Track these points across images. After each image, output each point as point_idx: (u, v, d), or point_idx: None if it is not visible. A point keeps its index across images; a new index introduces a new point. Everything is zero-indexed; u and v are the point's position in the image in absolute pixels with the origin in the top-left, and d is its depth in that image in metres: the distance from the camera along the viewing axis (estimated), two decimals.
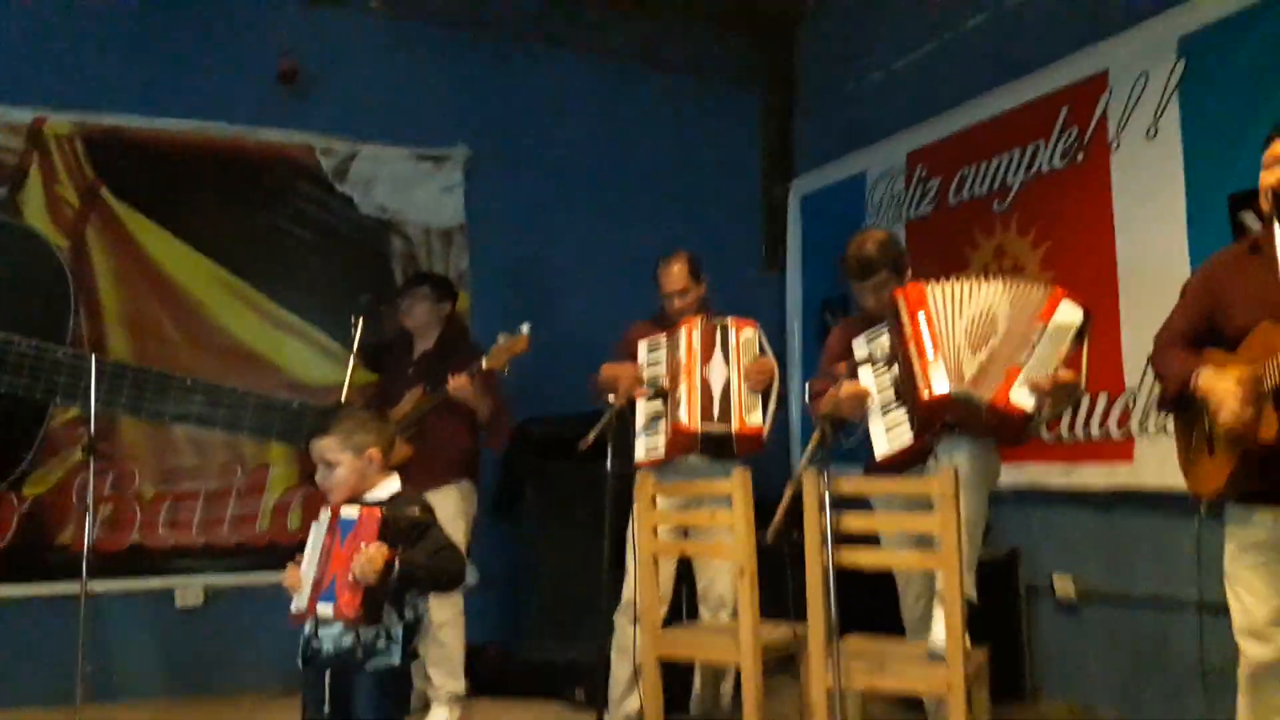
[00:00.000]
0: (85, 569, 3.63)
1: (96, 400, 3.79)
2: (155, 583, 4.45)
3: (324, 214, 4.88)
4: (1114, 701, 3.83)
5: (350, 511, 2.35)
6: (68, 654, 3.58)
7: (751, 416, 3.44)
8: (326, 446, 2.44)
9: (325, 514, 2.42)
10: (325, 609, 2.31)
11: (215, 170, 4.71)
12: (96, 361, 3.85)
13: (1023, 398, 2.79)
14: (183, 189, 4.66)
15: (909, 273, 3.28)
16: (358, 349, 3.86)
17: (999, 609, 3.94)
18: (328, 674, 2.36)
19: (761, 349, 3.58)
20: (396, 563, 2.26)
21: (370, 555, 2.22)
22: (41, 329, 4.36)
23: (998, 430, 2.96)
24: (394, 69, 5.06)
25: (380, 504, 2.42)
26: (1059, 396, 2.83)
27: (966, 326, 2.92)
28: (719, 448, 3.48)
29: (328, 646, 2.37)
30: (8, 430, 4.29)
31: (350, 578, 2.23)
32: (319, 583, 2.34)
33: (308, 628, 2.39)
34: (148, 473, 4.49)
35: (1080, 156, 3.97)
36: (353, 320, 3.87)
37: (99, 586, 3.88)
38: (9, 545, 4.24)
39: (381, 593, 2.28)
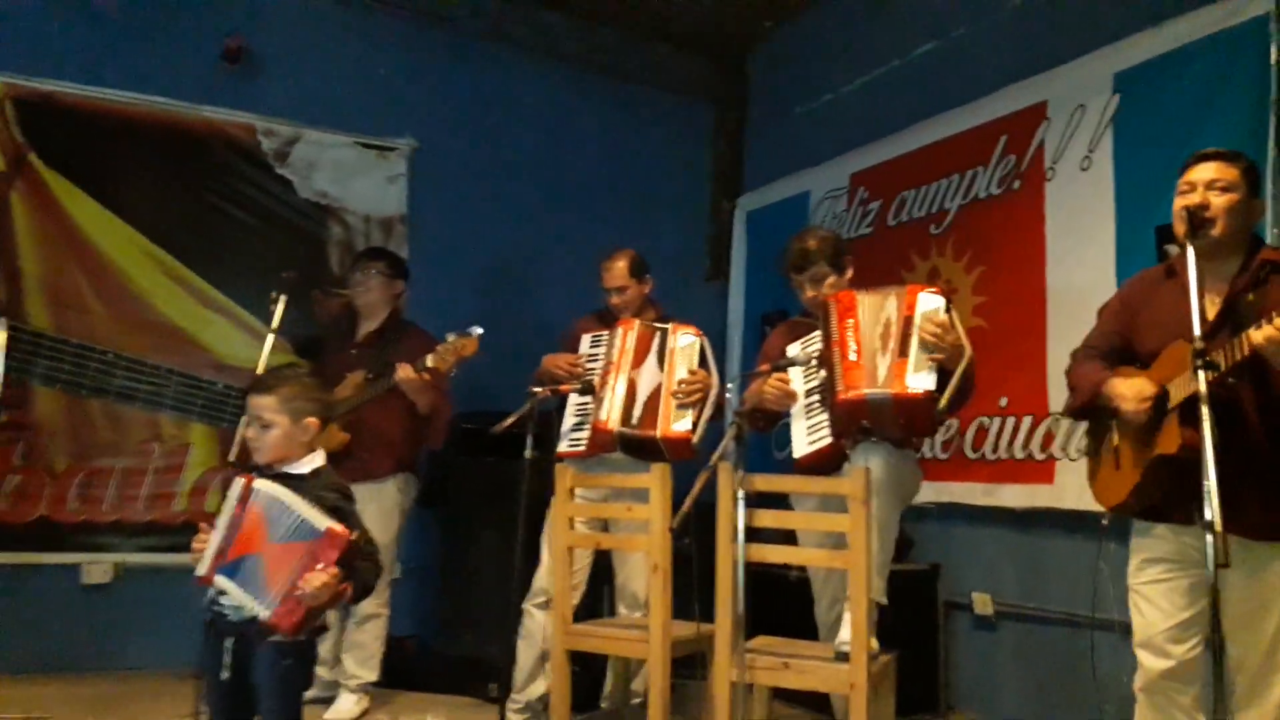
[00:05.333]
0: None
1: (8, 369, 3.67)
2: (61, 557, 4.29)
3: (261, 196, 4.80)
4: (1025, 717, 3.86)
5: (268, 487, 2.26)
6: None
7: (679, 423, 3.37)
8: (265, 405, 2.36)
9: (239, 483, 2.32)
10: (225, 583, 2.25)
11: (151, 144, 4.61)
12: (10, 327, 3.71)
13: (918, 380, 2.85)
14: (116, 161, 4.56)
15: (850, 273, 3.29)
16: (277, 327, 3.63)
17: (918, 623, 3.96)
18: (230, 640, 2.29)
19: (703, 358, 3.51)
20: (348, 590, 2.22)
21: (325, 582, 2.14)
22: None
23: (913, 425, 2.98)
24: (343, 55, 5.01)
25: (299, 477, 2.36)
26: (951, 356, 2.87)
27: (881, 333, 2.96)
28: (642, 451, 3.41)
29: (230, 614, 2.30)
30: None
31: (299, 594, 2.15)
32: (222, 552, 2.27)
33: (211, 591, 2.31)
34: (60, 446, 4.33)
35: (1017, 184, 4.04)
36: (273, 296, 3.65)
37: (0, 558, 3.73)
38: None
39: (323, 612, 2.22)
